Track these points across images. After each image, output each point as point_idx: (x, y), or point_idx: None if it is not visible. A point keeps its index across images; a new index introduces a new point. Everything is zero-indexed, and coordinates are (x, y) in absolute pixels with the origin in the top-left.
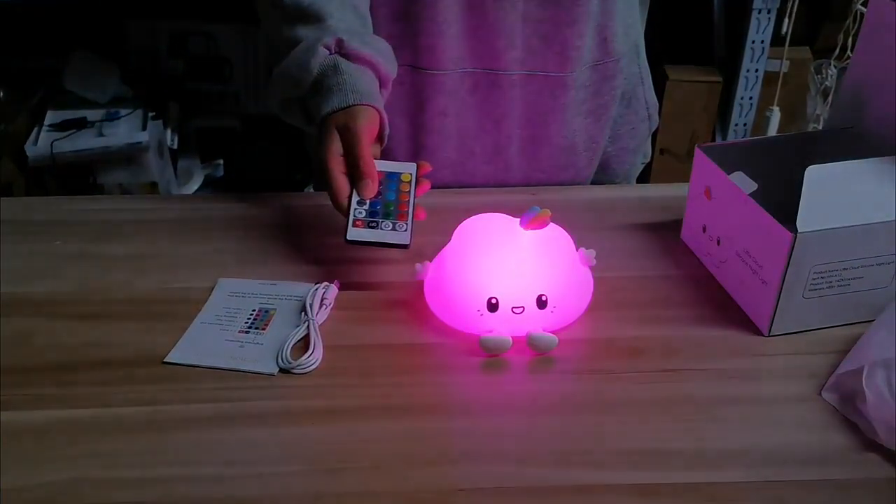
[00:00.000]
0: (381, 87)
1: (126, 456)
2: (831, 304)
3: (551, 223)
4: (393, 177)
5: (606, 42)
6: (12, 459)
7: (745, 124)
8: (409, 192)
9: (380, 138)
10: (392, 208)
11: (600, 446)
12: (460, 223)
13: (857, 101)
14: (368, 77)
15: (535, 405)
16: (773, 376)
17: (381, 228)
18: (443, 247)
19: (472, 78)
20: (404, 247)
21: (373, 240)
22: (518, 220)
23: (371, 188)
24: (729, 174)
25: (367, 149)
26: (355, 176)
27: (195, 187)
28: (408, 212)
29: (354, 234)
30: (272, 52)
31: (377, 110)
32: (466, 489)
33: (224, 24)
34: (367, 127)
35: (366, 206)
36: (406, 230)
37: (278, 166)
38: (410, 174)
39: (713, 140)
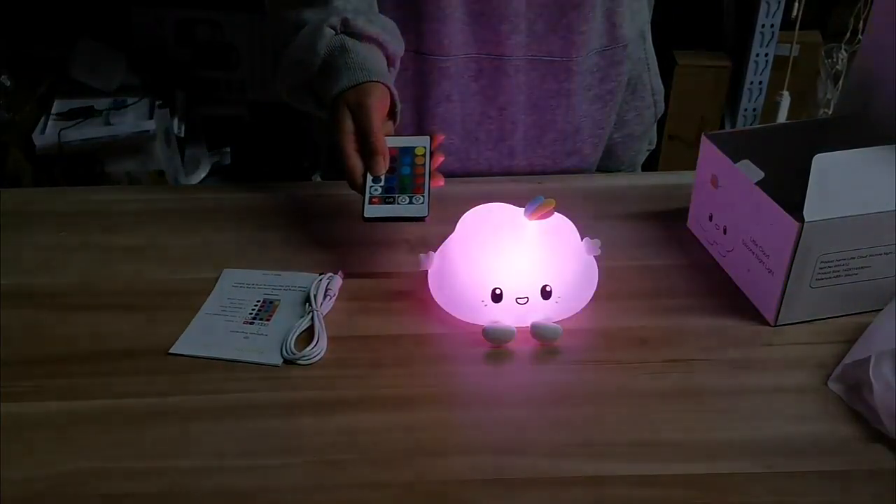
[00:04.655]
0: (388, 65)
1: (130, 447)
2: (838, 293)
3: (556, 213)
4: (406, 151)
5: (615, 27)
6: (16, 451)
7: (754, 109)
8: (424, 164)
9: (392, 115)
10: (408, 182)
11: (605, 437)
12: (464, 213)
13: (867, 88)
14: (376, 55)
15: (539, 396)
16: (780, 366)
17: (398, 203)
18: (447, 237)
19: (477, 63)
20: (422, 219)
21: (390, 215)
22: (522, 209)
23: (382, 165)
24: (736, 162)
25: (379, 125)
26: (366, 153)
27: (202, 175)
28: (424, 184)
29: (371, 211)
30: (277, 36)
31: (387, 87)
32: (471, 480)
33: (230, 12)
34: (378, 103)
35: (381, 183)
36: (423, 202)
37: (285, 154)
38: (424, 147)
39: (722, 125)
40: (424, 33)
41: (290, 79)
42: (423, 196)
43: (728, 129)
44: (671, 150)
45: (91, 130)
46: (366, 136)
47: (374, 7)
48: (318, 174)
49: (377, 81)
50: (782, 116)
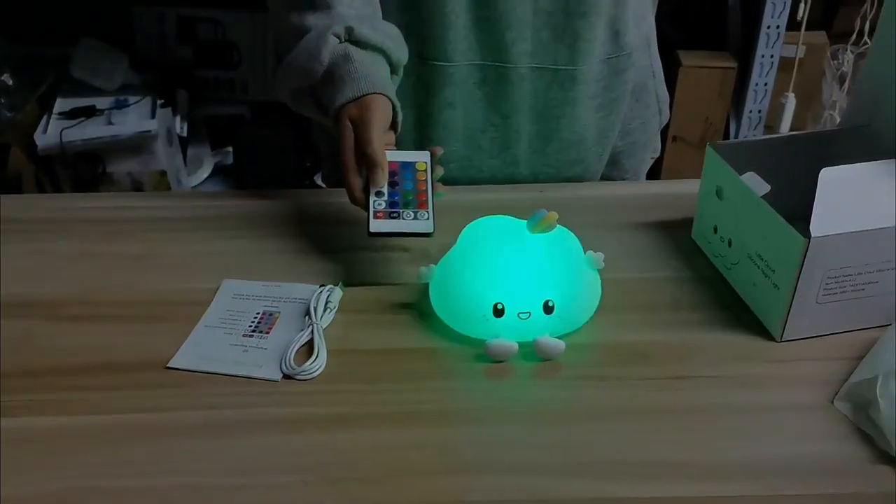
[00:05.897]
0: (392, 72)
1: (127, 464)
2: (845, 309)
3: (558, 225)
4: (408, 166)
5: (618, 35)
6: (12, 468)
7: (759, 111)
8: (426, 179)
9: (393, 125)
10: (411, 197)
11: (607, 456)
12: (466, 224)
13: (874, 99)
14: (380, 64)
15: (540, 413)
16: (785, 383)
17: (403, 218)
18: (448, 248)
19: (481, 71)
20: (428, 235)
21: (396, 230)
22: (525, 222)
23: (381, 176)
24: (741, 174)
25: (378, 137)
26: (365, 165)
27: (205, 175)
28: (427, 199)
29: (377, 225)
30: (279, 40)
31: (389, 99)
32: (471, 500)
33: (232, 10)
34: (378, 117)
35: (385, 198)
36: (428, 218)
37: (288, 153)
38: (425, 162)
39: (727, 127)
40: (428, 39)
41: (293, 84)
42: (428, 211)
43: (733, 130)
44: (675, 152)
45: (93, 130)
46: (364, 149)
47: (379, 13)
48: (320, 174)
49: (379, 93)
50: (787, 118)
